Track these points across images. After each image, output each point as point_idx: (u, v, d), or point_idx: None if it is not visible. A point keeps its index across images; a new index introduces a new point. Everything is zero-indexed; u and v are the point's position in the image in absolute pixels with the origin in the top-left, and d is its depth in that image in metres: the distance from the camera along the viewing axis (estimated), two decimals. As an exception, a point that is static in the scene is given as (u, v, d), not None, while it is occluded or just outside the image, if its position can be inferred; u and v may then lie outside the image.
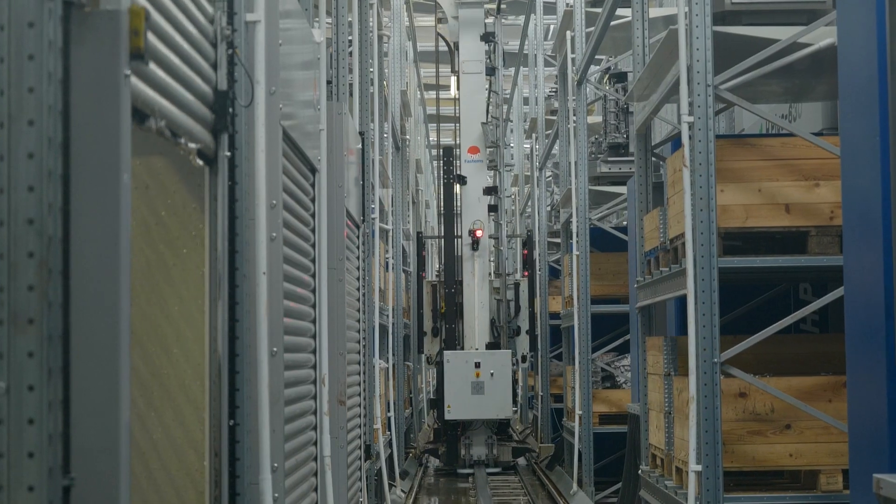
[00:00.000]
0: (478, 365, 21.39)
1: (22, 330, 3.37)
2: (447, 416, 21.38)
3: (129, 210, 3.97)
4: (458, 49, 23.40)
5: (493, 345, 22.78)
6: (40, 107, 3.44)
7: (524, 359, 23.71)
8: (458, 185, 23.42)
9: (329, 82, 9.58)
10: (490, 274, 24.60)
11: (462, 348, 22.43)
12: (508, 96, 30.74)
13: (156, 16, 4.42)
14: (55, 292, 3.46)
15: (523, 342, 23.59)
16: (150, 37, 4.27)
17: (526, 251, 25.15)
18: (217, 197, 5.62)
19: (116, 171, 3.86)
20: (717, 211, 8.57)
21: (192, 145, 5.06)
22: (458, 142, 24.02)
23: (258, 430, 5.76)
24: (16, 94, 3.42)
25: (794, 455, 8.83)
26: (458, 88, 23.88)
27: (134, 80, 4.07)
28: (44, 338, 3.39)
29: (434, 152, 34.56)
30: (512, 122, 32.53)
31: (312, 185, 8.11)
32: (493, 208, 24.60)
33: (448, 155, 24.01)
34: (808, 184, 8.89)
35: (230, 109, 5.64)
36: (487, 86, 24.70)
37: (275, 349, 6.15)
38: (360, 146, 11.96)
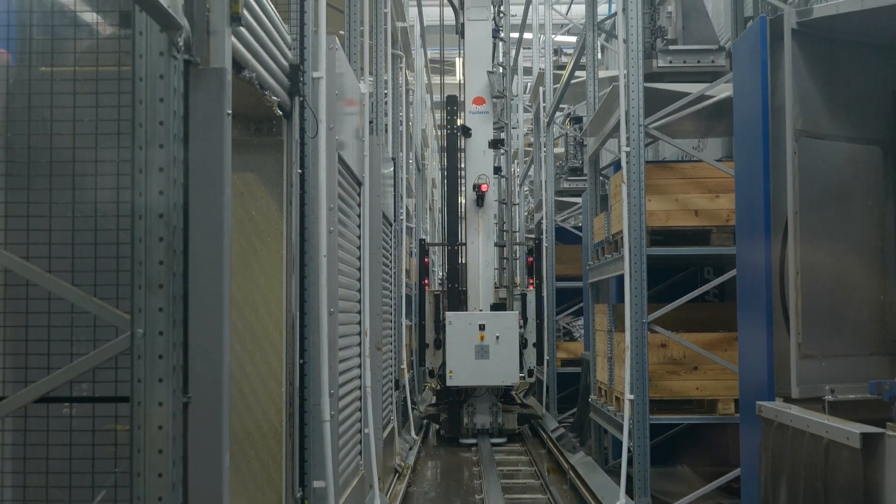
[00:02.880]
0: (482, 327, 14.26)
1: (154, 292, 3.40)
2: (449, 383, 14.31)
3: (229, 209, 3.99)
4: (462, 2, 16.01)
5: (498, 306, 15.45)
6: (168, 135, 3.46)
7: (530, 373, 15.89)
8: (461, 138, 15.74)
9: (371, 122, 9.57)
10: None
11: (466, 310, 15.31)
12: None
13: (250, 2, 4.49)
14: (178, 266, 3.49)
15: (530, 356, 15.91)
16: (246, 14, 4.32)
17: (531, 259, 17.08)
18: (292, 143, 5.66)
19: (221, 182, 3.88)
20: (646, 215, 8.57)
21: (273, 98, 5.08)
22: (462, 91, 16.07)
23: (320, 366, 5.79)
24: (151, 126, 3.44)
25: (700, 388, 8.83)
26: (463, 37, 15.92)
27: (233, 39, 4.09)
28: (170, 298, 3.42)
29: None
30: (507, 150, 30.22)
31: (359, 195, 8.13)
32: (497, 170, 17.20)
33: (451, 104, 16.02)
34: (711, 196, 8.88)
35: (301, 79, 5.63)
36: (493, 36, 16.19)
37: (332, 310, 6.17)
38: (392, 168, 11.97)
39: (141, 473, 3.35)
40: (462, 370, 14.21)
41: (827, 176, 5.73)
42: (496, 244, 15.75)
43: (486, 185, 15.19)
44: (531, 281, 17.31)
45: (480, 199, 15.21)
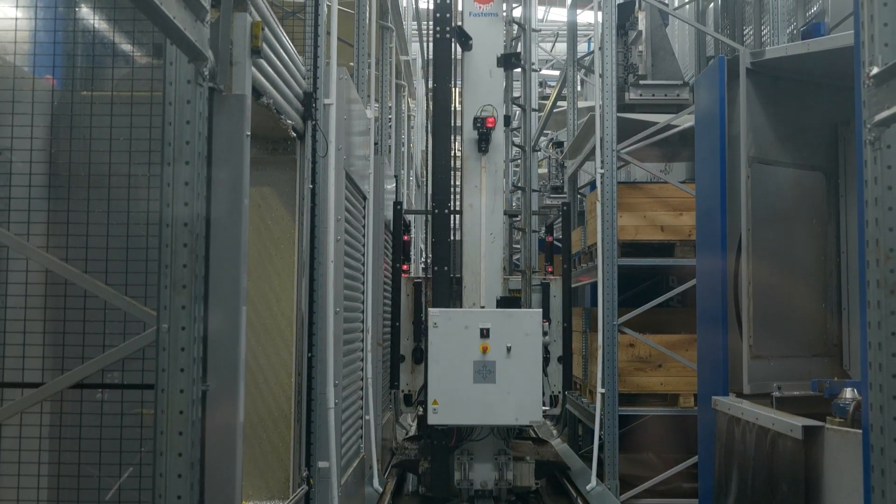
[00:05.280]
0: (486, 333, 8.00)
1: (178, 292, 3.40)
2: (433, 420, 7.93)
3: (247, 219, 3.99)
4: None
5: (509, 301, 8.63)
6: (193, 153, 3.46)
7: (553, 401, 9.18)
8: (457, 49, 8.84)
9: (376, 143, 9.52)
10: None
11: (461, 306, 8.51)
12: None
13: (269, 36, 4.48)
14: (200, 269, 3.48)
15: (555, 375, 9.25)
16: (265, 47, 4.30)
17: (550, 238, 11.54)
18: (305, 161, 5.65)
19: (240, 195, 3.88)
20: (618, 229, 8.58)
21: (288, 121, 5.09)
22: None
23: (326, 359, 5.77)
24: (178, 145, 3.45)
25: (664, 384, 8.84)
26: None
27: (253, 69, 4.10)
28: (192, 297, 3.42)
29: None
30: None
31: (364, 207, 8.12)
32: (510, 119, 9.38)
33: None
34: (675, 213, 8.89)
35: (313, 105, 5.64)
36: None
37: (337, 309, 6.16)
38: (394, 184, 11.98)
39: (163, 453, 3.34)
40: (453, 401, 7.87)
41: (776, 198, 5.76)
42: (507, 213, 9.10)
43: (492, 119, 8.53)
44: (549, 268, 10.93)
45: (485, 139, 8.55)
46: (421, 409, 8.49)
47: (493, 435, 8.40)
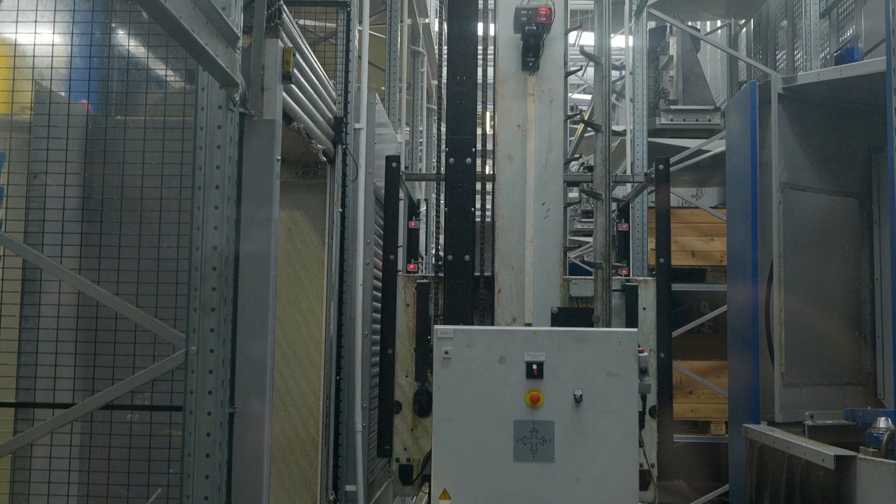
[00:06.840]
0: (537, 371, 3.71)
1: (207, 314, 3.42)
2: None
3: (277, 242, 4.02)
4: None
5: (574, 315, 4.39)
6: (223, 177, 3.49)
7: (644, 479, 4.26)
8: None
9: (406, 167, 9.58)
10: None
11: (492, 322, 4.41)
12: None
13: (300, 62, 4.53)
14: (228, 292, 3.50)
15: (648, 436, 4.51)
16: (296, 73, 4.34)
17: (625, 225, 5.73)
18: (334, 185, 5.67)
19: (270, 218, 3.91)
20: (648, 254, 8.52)
21: (319, 146, 5.12)
22: None
23: (354, 382, 5.76)
24: (209, 169, 3.48)
25: (695, 411, 8.73)
26: None
27: (284, 95, 4.13)
28: (221, 319, 3.44)
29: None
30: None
31: (393, 231, 8.12)
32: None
33: None
34: (706, 239, 8.82)
35: (344, 129, 5.67)
36: None
37: (366, 332, 6.15)
38: (424, 208, 11.97)
39: (191, 475, 3.35)
40: (475, 491, 3.91)
41: (809, 224, 5.69)
42: (568, 181, 5.35)
43: (546, 10, 4.63)
44: (623, 270, 5.45)
45: (533, 48, 4.70)
46: (427, 490, 4.47)
47: None
